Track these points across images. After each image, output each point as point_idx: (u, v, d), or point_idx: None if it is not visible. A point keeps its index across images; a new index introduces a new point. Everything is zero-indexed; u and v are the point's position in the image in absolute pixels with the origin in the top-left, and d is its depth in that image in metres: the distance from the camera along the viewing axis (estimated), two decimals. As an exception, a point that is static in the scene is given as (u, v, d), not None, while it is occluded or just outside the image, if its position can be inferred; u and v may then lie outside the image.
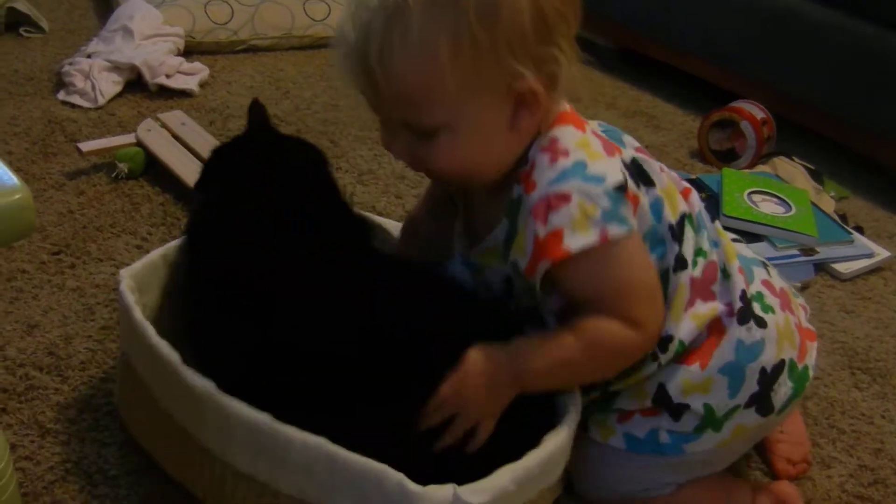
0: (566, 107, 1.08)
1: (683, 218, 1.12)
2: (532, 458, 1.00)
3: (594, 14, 2.72)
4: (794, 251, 1.86)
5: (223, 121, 2.09)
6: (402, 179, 1.95)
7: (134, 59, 2.16)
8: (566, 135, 1.04)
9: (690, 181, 2.00)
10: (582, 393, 1.12)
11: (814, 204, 2.02)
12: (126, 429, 1.21)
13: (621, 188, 1.02)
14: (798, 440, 1.35)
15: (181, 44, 2.34)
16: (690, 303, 1.12)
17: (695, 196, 1.16)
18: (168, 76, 2.21)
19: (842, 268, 1.86)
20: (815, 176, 2.19)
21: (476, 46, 0.95)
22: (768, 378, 1.13)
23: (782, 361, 1.14)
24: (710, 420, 1.12)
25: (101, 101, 2.09)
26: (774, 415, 1.15)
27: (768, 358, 1.13)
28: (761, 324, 1.14)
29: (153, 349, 1.08)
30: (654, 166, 1.12)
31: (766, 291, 1.18)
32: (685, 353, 1.12)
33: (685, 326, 1.11)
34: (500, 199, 1.08)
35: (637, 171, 1.09)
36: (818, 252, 1.87)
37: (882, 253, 1.92)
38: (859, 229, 2.02)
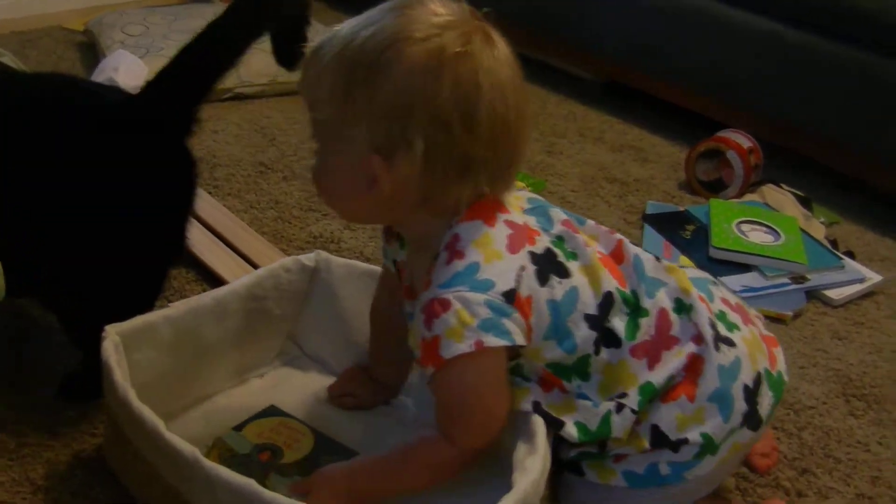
0: (486, 192, 1.07)
1: (609, 296, 1.12)
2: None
3: (580, 48, 2.77)
4: (785, 279, 1.86)
5: (210, 170, 2.07)
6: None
7: (117, 83, 2.15)
8: (469, 232, 1.06)
9: (679, 213, 2.03)
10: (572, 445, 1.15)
11: (803, 230, 2.02)
12: (117, 477, 1.20)
13: (509, 294, 1.04)
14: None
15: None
16: (653, 361, 1.14)
17: (628, 254, 1.17)
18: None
19: (833, 294, 1.85)
20: (804, 202, 2.18)
21: (341, 98, 1.03)
22: (752, 393, 1.15)
23: (759, 374, 1.16)
24: (710, 447, 1.13)
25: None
26: (763, 426, 1.17)
27: (746, 374, 1.15)
28: (731, 343, 1.16)
29: (134, 413, 1.08)
30: (577, 243, 1.13)
31: (726, 309, 1.20)
32: (667, 391, 1.13)
33: (650, 377, 1.13)
34: (426, 259, 1.11)
35: (549, 262, 1.10)
36: (809, 279, 1.87)
37: (873, 277, 1.92)
38: (850, 254, 2.01)
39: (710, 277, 1.26)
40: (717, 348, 1.14)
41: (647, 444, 1.14)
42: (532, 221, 1.13)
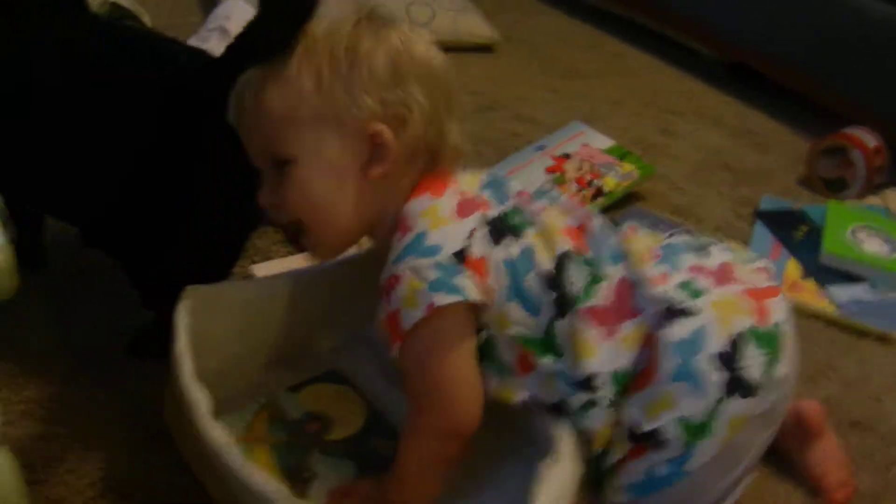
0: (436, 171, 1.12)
1: (563, 258, 1.09)
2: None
3: (701, 26, 2.67)
4: (896, 296, 1.75)
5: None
6: (490, 198, 1.90)
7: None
8: (415, 206, 1.08)
9: (794, 212, 1.95)
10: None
11: (924, 243, 1.90)
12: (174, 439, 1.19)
13: (459, 255, 1.04)
14: (838, 460, 1.29)
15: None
16: (610, 332, 1.08)
17: (593, 226, 1.14)
18: None
19: (948, 317, 1.74)
20: (930, 212, 2.06)
21: (333, 81, 1.06)
22: (729, 359, 1.06)
23: (738, 335, 1.07)
24: (696, 430, 1.06)
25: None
26: (763, 391, 1.07)
27: (717, 341, 1.06)
28: (690, 312, 1.07)
29: (184, 389, 1.07)
30: (531, 210, 1.12)
31: (694, 276, 1.12)
32: (636, 380, 1.08)
33: (610, 356, 1.07)
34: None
35: (501, 225, 1.09)
36: (923, 298, 1.76)
37: None
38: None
39: (696, 242, 1.19)
40: (670, 323, 1.06)
41: (628, 444, 1.09)
42: (487, 194, 1.13)
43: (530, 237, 1.10)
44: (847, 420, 1.44)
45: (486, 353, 1.10)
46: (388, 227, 1.11)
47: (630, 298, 1.10)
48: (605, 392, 1.07)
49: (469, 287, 1.03)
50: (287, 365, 1.32)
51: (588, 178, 1.94)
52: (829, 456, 1.30)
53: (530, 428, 1.13)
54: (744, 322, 1.08)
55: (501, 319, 1.08)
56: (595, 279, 1.10)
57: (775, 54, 2.54)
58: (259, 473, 0.99)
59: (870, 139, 2.12)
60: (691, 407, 1.05)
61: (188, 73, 1.23)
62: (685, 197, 2.03)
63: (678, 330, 1.06)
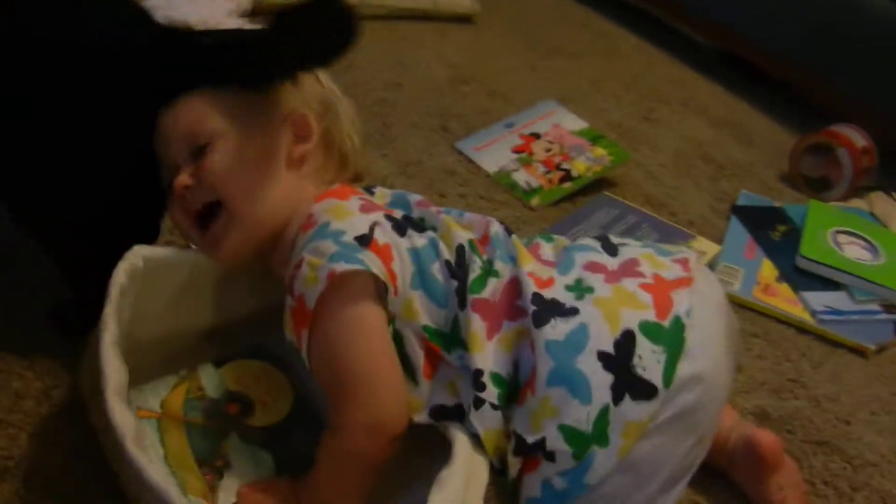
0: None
1: (462, 248, 1.07)
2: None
3: (694, 13, 2.57)
4: (875, 306, 1.65)
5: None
6: (452, 175, 1.80)
7: (189, 17, 2.01)
8: (321, 207, 1.08)
9: (773, 210, 1.85)
10: None
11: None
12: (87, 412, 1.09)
13: (362, 238, 1.02)
14: (797, 484, 1.20)
15: (247, 4, 2.20)
16: (493, 328, 1.03)
17: (490, 233, 1.12)
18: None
19: (929, 330, 1.64)
20: (917, 218, 1.96)
21: None
22: (618, 358, 0.97)
23: (628, 332, 0.98)
24: (583, 439, 0.97)
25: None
26: (664, 390, 0.97)
27: (600, 339, 0.98)
28: (569, 313, 1.00)
29: (101, 361, 0.97)
30: (431, 214, 1.13)
31: (586, 274, 1.06)
32: (523, 389, 1.01)
33: (493, 356, 1.02)
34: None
35: (405, 222, 1.09)
36: (903, 310, 1.66)
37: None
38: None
39: (600, 239, 1.14)
40: (542, 325, 1.00)
41: (516, 461, 1.01)
42: (390, 204, 1.16)
43: (434, 234, 1.09)
44: (812, 439, 1.35)
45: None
46: (293, 233, 1.09)
47: (516, 298, 1.04)
48: (490, 393, 1.01)
49: (372, 261, 1.00)
50: (216, 337, 1.23)
51: (557, 160, 1.86)
52: (788, 485, 1.19)
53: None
54: (634, 317, 1.00)
55: (408, 309, 1.03)
56: (488, 273, 1.06)
57: (771, 46, 2.43)
58: (155, 470, 0.89)
59: (858, 138, 2.02)
60: (574, 413, 0.97)
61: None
62: (660, 187, 1.93)
63: (552, 331, 0.99)
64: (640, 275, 1.04)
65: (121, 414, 0.93)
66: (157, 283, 1.10)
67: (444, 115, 2.02)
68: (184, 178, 1.07)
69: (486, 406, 1.01)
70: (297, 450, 1.13)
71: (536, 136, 1.94)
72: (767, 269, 1.70)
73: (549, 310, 1.01)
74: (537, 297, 1.02)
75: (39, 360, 1.20)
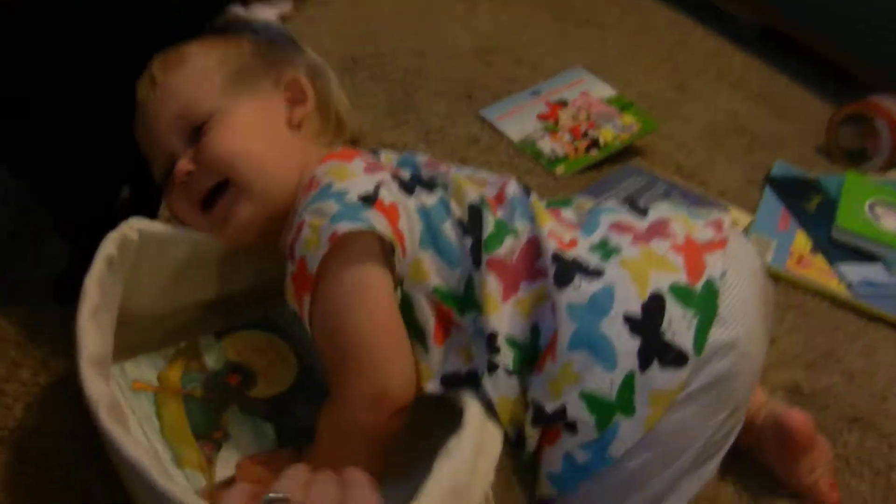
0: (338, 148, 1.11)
1: (475, 207, 1.01)
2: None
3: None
4: (912, 279, 1.58)
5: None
6: (475, 143, 1.76)
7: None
8: (323, 168, 1.04)
9: (808, 181, 1.79)
10: None
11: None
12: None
13: (366, 198, 0.97)
14: (830, 463, 1.14)
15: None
16: (510, 289, 0.97)
17: (508, 194, 1.06)
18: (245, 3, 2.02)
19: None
20: (958, 191, 1.88)
21: (246, 50, 1.10)
22: (646, 323, 0.92)
23: (657, 295, 0.93)
24: (607, 407, 0.91)
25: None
26: (695, 357, 0.91)
27: (627, 301, 0.93)
28: (593, 274, 0.95)
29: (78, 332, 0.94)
30: (440, 171, 1.08)
31: (612, 234, 1.00)
32: (543, 355, 0.95)
33: (509, 318, 0.96)
34: None
35: (413, 182, 1.05)
36: (941, 284, 1.59)
37: None
38: None
39: (625, 205, 1.08)
40: (564, 285, 0.94)
41: (534, 432, 0.96)
42: (397, 164, 1.11)
43: (444, 192, 1.04)
44: (847, 416, 1.30)
45: (403, 318, 0.99)
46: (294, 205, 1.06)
47: (536, 259, 0.99)
48: (504, 357, 0.95)
49: (377, 219, 0.95)
50: (218, 309, 1.19)
51: (584, 128, 1.81)
52: (821, 465, 1.13)
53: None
54: (664, 279, 0.94)
55: (418, 270, 0.98)
56: (505, 231, 1.00)
57: (810, 19, 2.36)
58: (133, 442, 0.85)
59: (898, 108, 1.94)
60: (597, 380, 0.92)
61: None
62: (692, 158, 1.87)
63: (574, 293, 0.94)
64: (671, 236, 0.99)
65: (93, 383, 0.89)
66: (154, 258, 1.07)
67: (469, 83, 1.97)
68: (184, 164, 1.03)
69: (501, 371, 0.95)
70: (301, 422, 1.10)
71: (563, 103, 1.89)
72: (801, 241, 1.64)
73: (572, 270, 0.95)
74: (558, 257, 0.97)
75: (39, 330, 1.18)
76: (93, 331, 0.94)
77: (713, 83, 2.25)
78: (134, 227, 1.03)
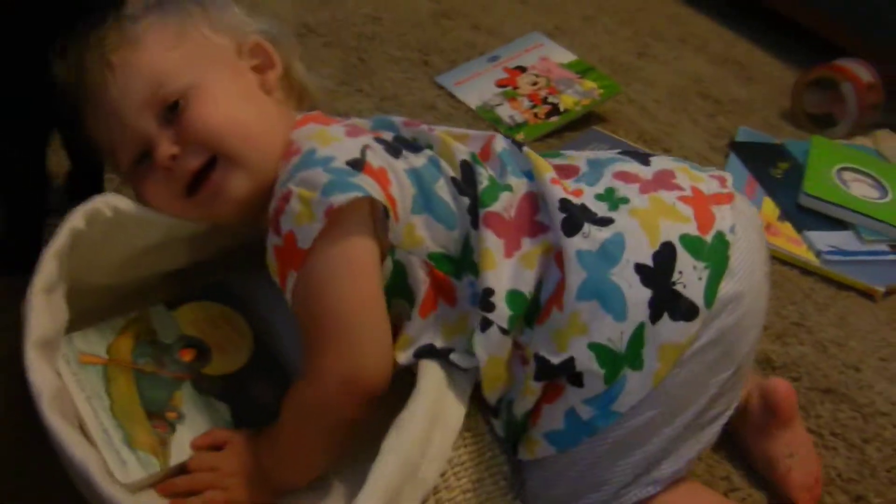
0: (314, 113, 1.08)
1: (467, 163, 0.99)
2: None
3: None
4: (884, 246, 1.56)
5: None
6: (431, 110, 1.71)
7: None
8: (302, 132, 1.01)
9: (774, 147, 1.75)
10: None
11: (919, 190, 1.70)
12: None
13: (354, 163, 0.94)
14: (808, 459, 1.10)
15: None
16: (511, 245, 0.94)
17: (494, 151, 1.03)
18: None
19: (941, 274, 1.54)
20: (926, 157, 1.86)
21: (196, 28, 1.03)
22: (657, 273, 0.90)
23: (668, 245, 0.91)
24: (616, 360, 0.89)
25: None
26: (705, 310, 0.89)
27: (639, 250, 0.91)
28: (602, 222, 0.93)
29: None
30: (422, 129, 1.05)
31: (618, 184, 0.98)
32: (544, 308, 0.92)
33: (511, 273, 0.93)
34: None
35: (397, 143, 1.01)
36: (913, 251, 1.56)
37: None
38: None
39: (616, 156, 1.05)
40: (573, 233, 0.92)
41: (537, 385, 0.92)
42: (375, 126, 1.07)
43: (430, 151, 1.01)
44: (819, 387, 1.27)
45: (393, 283, 0.96)
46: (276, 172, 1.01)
47: (535, 214, 0.96)
48: (500, 314, 0.92)
49: (370, 185, 0.91)
50: (172, 276, 1.14)
51: (543, 94, 1.76)
52: (797, 450, 1.09)
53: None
54: (674, 230, 0.91)
55: (411, 236, 0.95)
56: (499, 187, 0.97)
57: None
58: (76, 440, 0.82)
59: (864, 73, 1.91)
60: (606, 331, 0.89)
61: None
62: (655, 123, 1.83)
63: (583, 240, 0.91)
64: (678, 187, 0.96)
65: (38, 370, 0.86)
66: (124, 236, 1.01)
67: (426, 49, 1.91)
68: (167, 148, 0.98)
69: (494, 329, 0.92)
70: (258, 401, 1.04)
71: (522, 69, 1.84)
72: (768, 208, 1.61)
73: (581, 217, 0.93)
74: (566, 204, 0.94)
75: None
76: (43, 310, 0.89)
77: (675, 47, 2.22)
78: (110, 203, 0.98)
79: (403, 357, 0.95)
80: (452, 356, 0.95)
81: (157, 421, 1.00)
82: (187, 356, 1.07)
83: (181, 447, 0.98)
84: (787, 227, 1.57)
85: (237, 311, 1.13)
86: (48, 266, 0.92)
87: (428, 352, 0.95)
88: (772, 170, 1.71)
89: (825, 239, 1.55)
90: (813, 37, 2.25)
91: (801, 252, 1.52)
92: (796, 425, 1.10)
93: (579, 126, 1.73)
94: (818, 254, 1.51)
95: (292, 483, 0.95)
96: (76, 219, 0.95)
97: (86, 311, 1.02)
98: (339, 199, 0.89)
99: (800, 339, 1.35)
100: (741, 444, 1.12)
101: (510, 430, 0.97)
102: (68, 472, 0.85)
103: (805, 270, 1.50)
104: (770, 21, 2.37)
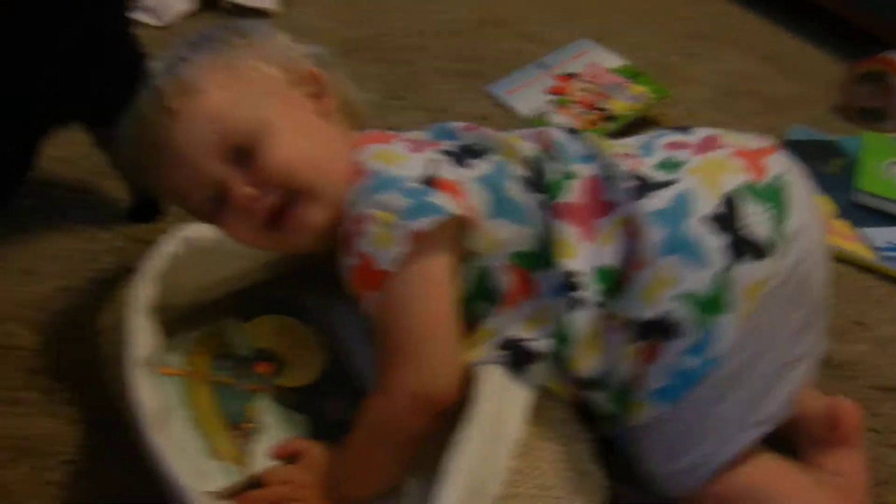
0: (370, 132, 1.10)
1: (531, 160, 1.04)
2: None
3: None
4: (935, 242, 1.55)
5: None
6: (484, 120, 1.72)
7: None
8: (364, 153, 1.03)
9: (826, 144, 1.76)
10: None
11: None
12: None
13: (426, 180, 0.97)
14: (854, 488, 1.08)
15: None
16: (587, 229, 0.99)
17: (550, 141, 1.06)
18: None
19: None
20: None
21: (245, 62, 1.04)
22: (726, 220, 0.95)
23: (731, 194, 0.97)
24: (708, 304, 0.94)
25: (167, 18, 1.91)
26: (776, 247, 0.95)
27: (703, 204, 0.96)
28: (666, 184, 0.98)
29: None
30: (482, 133, 1.08)
31: (671, 152, 1.04)
32: (629, 272, 0.97)
33: (592, 255, 0.98)
34: None
35: (461, 152, 1.04)
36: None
37: None
38: None
39: (661, 132, 1.11)
40: (641, 197, 0.98)
41: (640, 343, 0.96)
42: (434, 137, 1.10)
43: (495, 156, 1.04)
44: (879, 385, 1.27)
45: (476, 288, 1.00)
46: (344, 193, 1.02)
47: (602, 194, 1.01)
48: (589, 291, 0.97)
49: (449, 203, 0.95)
50: (246, 294, 1.19)
51: (594, 100, 1.77)
52: (845, 473, 1.08)
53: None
54: (732, 180, 0.98)
55: (491, 240, 0.99)
56: (566, 175, 1.02)
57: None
58: (172, 458, 0.88)
59: (915, 65, 1.90)
60: (695, 279, 0.94)
61: None
62: (704, 124, 1.78)
63: (655, 201, 0.97)
64: (726, 146, 1.03)
65: (142, 389, 0.91)
66: (215, 261, 1.09)
67: (474, 59, 1.94)
68: (245, 190, 0.99)
69: (583, 306, 0.97)
70: (333, 414, 1.08)
71: (571, 75, 1.86)
72: (824, 206, 1.60)
73: (648, 183, 0.99)
74: (633, 172, 1.00)
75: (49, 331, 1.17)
76: (145, 331, 0.94)
77: (723, 46, 2.22)
78: (203, 231, 1.07)
79: (483, 350, 0.99)
80: (534, 344, 0.98)
81: (235, 432, 1.03)
82: (263, 369, 1.11)
83: (260, 457, 1.01)
84: (841, 225, 1.57)
85: (311, 325, 1.17)
86: (148, 288, 0.96)
87: (509, 344, 0.99)
88: (825, 167, 1.71)
89: (882, 235, 1.55)
90: (859, 31, 2.23)
91: (857, 249, 1.52)
92: (854, 452, 1.09)
93: (631, 131, 1.73)
94: (875, 250, 1.51)
95: (361, 495, 0.98)
96: (176, 244, 1.02)
97: (163, 323, 1.06)
98: (423, 223, 0.93)
99: (858, 336, 1.35)
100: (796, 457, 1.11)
101: (617, 400, 1.00)
102: (162, 487, 0.88)
103: (862, 267, 1.50)
104: (815, 16, 2.36)
